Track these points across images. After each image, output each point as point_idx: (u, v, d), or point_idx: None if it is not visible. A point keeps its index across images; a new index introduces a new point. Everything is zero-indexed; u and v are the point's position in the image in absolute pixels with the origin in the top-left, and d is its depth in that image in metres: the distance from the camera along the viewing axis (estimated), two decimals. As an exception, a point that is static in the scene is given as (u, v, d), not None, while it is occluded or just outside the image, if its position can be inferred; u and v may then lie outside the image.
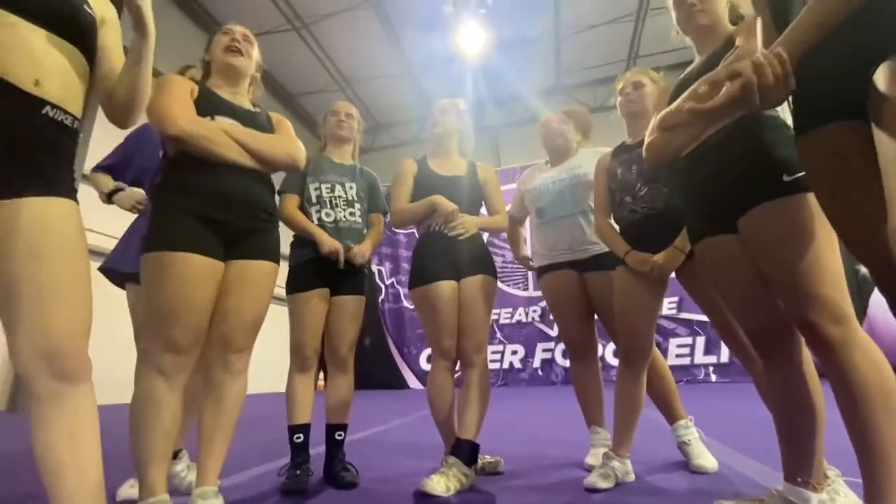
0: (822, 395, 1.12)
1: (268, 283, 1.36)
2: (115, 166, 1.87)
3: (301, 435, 1.70)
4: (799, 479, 1.11)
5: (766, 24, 1.05)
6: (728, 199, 1.16)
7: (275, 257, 1.38)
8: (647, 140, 1.31)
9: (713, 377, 7.56)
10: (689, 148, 1.23)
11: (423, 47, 8.78)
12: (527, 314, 9.22)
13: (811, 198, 1.01)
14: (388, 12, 8.20)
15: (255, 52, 1.49)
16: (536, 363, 9.02)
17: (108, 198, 1.78)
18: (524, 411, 4.08)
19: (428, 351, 8.71)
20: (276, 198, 1.52)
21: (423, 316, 1.79)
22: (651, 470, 1.77)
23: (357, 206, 1.90)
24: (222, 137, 1.28)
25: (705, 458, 1.74)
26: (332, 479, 1.70)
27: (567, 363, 8.16)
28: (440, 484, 1.49)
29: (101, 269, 1.75)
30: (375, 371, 9.09)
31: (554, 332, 8.61)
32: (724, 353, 7.47)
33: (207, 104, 1.32)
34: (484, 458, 1.82)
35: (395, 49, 8.92)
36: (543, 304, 8.28)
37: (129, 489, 1.55)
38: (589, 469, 1.78)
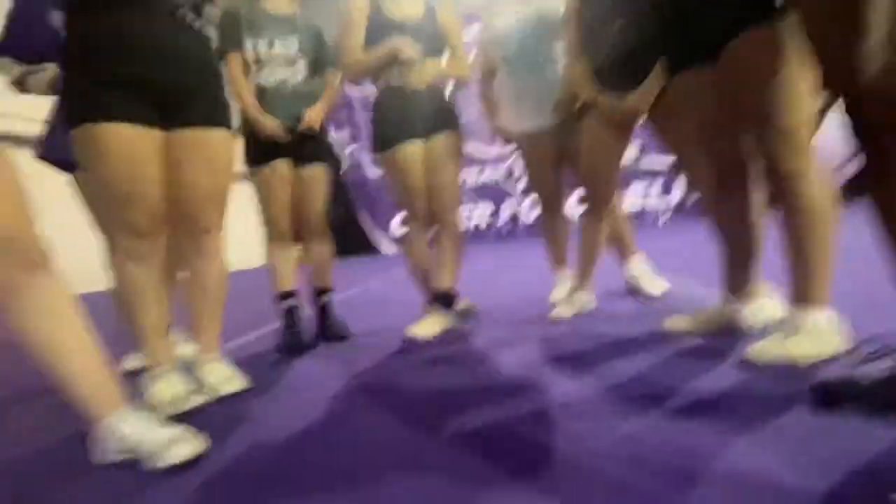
0: (763, 226, 1.25)
1: (225, 154, 1.27)
2: (12, 43, 1.54)
3: (290, 300, 1.79)
4: (737, 294, 1.29)
5: None
6: (717, 24, 1.11)
7: (226, 122, 1.27)
8: None
9: (667, 217, 8.15)
10: None
11: None
12: (494, 172, 9.28)
13: (787, 26, 0.97)
14: None
15: None
16: (503, 221, 9.40)
17: (21, 86, 1.52)
18: (494, 266, 4.37)
19: (399, 215, 8.85)
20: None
21: (391, 180, 1.77)
22: (609, 299, 2.00)
23: (300, 63, 1.72)
24: None
25: (655, 286, 1.97)
26: (325, 335, 1.85)
27: (530, 219, 8.56)
28: (424, 329, 1.66)
29: (40, 158, 1.59)
30: (348, 240, 9.28)
31: (517, 190, 8.82)
32: (677, 196, 7.93)
33: None
34: (460, 304, 2.00)
35: None
36: (510, 162, 8.31)
37: (132, 361, 1.65)
38: (555, 305, 1.99)
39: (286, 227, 1.76)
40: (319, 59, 1.78)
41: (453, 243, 1.78)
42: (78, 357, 0.87)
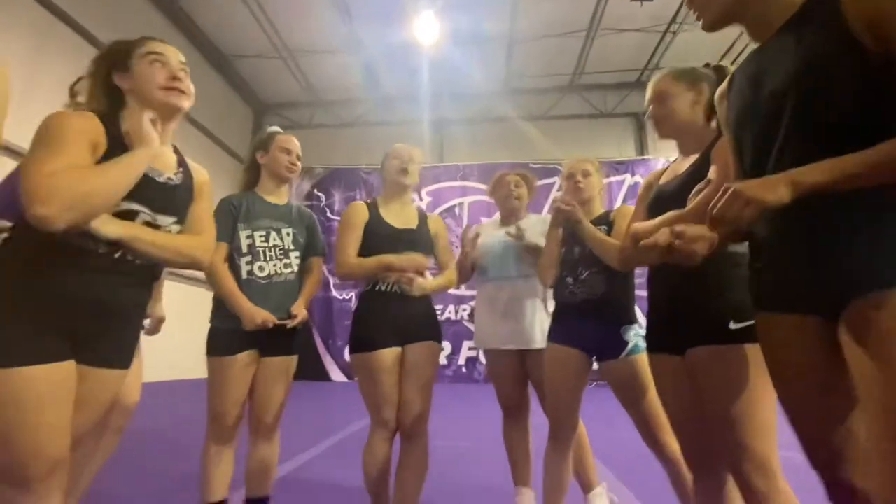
0: None
1: None
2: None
3: (216, 513, 1.55)
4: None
5: (724, 147, 1.07)
6: (677, 327, 1.19)
7: None
8: (622, 244, 1.35)
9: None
10: (657, 263, 1.24)
11: (376, 28, 8.36)
12: (456, 312, 9.36)
13: (754, 349, 1.04)
14: (340, -14, 7.68)
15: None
16: (461, 360, 9.22)
17: None
18: (449, 421, 4.12)
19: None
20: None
21: (362, 383, 1.69)
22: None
23: (293, 254, 1.73)
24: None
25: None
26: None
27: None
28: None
29: None
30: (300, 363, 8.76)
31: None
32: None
33: None
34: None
35: (346, 25, 8.39)
36: (473, 303, 8.45)
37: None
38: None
39: (233, 425, 1.59)
40: (310, 247, 1.80)
41: (420, 462, 1.66)
42: None
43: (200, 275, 1.47)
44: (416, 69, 9.19)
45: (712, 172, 1.15)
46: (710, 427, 1.13)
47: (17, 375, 0.89)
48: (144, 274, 1.08)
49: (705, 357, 1.12)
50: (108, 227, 0.95)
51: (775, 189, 0.77)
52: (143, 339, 1.80)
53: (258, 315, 1.56)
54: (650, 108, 1.31)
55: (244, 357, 1.59)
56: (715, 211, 0.81)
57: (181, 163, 1.18)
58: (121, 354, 1.06)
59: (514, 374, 1.97)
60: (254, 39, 8.81)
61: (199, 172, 1.22)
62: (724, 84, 1.05)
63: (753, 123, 0.92)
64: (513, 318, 1.95)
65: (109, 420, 1.45)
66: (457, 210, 9.67)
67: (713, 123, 1.26)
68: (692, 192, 1.15)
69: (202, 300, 1.61)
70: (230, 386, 1.57)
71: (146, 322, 1.83)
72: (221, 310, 1.62)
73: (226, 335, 1.60)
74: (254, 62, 9.50)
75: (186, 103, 1.13)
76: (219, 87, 9.71)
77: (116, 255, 1.00)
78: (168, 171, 1.11)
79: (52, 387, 0.92)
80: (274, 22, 8.42)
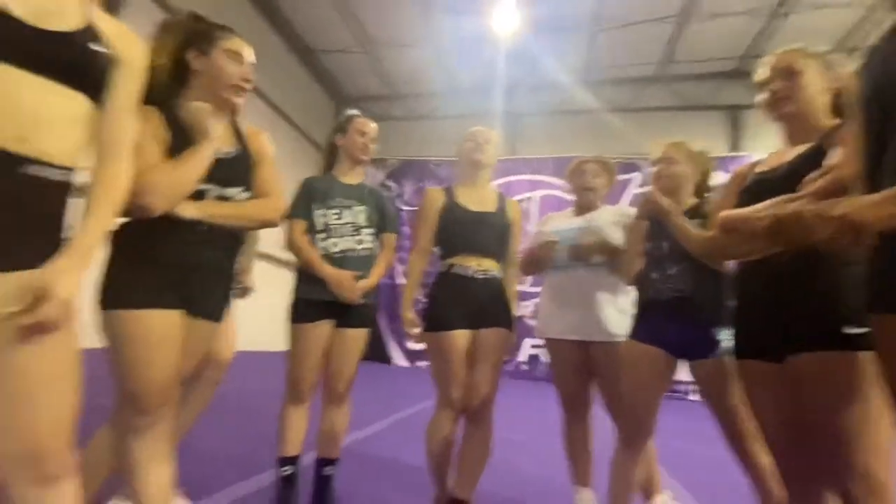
0: None
1: None
2: None
3: (290, 467, 1.67)
4: None
5: (854, 132, 0.94)
6: (781, 331, 1.08)
7: None
8: (710, 234, 1.27)
9: (691, 396, 7.66)
10: (752, 257, 1.14)
11: (454, 20, 8.39)
12: (518, 308, 9.23)
13: (870, 358, 0.93)
14: (421, -21, 7.79)
15: None
16: (523, 357, 9.09)
17: None
18: (508, 415, 4.10)
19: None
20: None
21: (432, 361, 1.74)
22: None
23: (366, 231, 1.80)
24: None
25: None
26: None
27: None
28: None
29: None
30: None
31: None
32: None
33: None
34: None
35: (425, 18, 8.50)
36: (536, 300, 8.28)
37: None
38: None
39: (308, 390, 1.71)
40: (382, 224, 1.87)
41: (482, 444, 1.68)
42: None
43: (278, 254, 1.56)
44: (492, 60, 9.11)
45: (834, 158, 1.03)
46: (815, 443, 1.02)
47: (139, 316, 1.05)
48: (228, 240, 1.22)
49: (815, 364, 1.01)
50: (187, 210, 1.10)
51: (888, 208, 0.69)
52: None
53: (343, 280, 1.66)
54: (772, 82, 1.18)
55: (322, 325, 1.70)
56: (818, 239, 0.75)
57: (237, 133, 1.27)
58: (214, 308, 1.21)
59: (575, 367, 1.90)
60: (338, 33, 9.21)
61: (255, 138, 1.30)
62: (865, 58, 0.93)
63: (875, 106, 0.81)
64: (577, 308, 1.88)
65: (205, 370, 1.61)
66: (525, 204, 9.50)
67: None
68: (805, 179, 1.04)
69: (278, 277, 1.72)
70: (307, 352, 1.68)
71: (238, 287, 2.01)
72: (303, 281, 1.73)
73: (306, 304, 1.71)
74: (338, 56, 9.94)
75: (243, 102, 1.25)
76: (305, 80, 10.28)
77: (203, 228, 1.14)
78: (225, 146, 1.20)
79: (164, 329, 1.07)
80: (358, 16, 8.75)
